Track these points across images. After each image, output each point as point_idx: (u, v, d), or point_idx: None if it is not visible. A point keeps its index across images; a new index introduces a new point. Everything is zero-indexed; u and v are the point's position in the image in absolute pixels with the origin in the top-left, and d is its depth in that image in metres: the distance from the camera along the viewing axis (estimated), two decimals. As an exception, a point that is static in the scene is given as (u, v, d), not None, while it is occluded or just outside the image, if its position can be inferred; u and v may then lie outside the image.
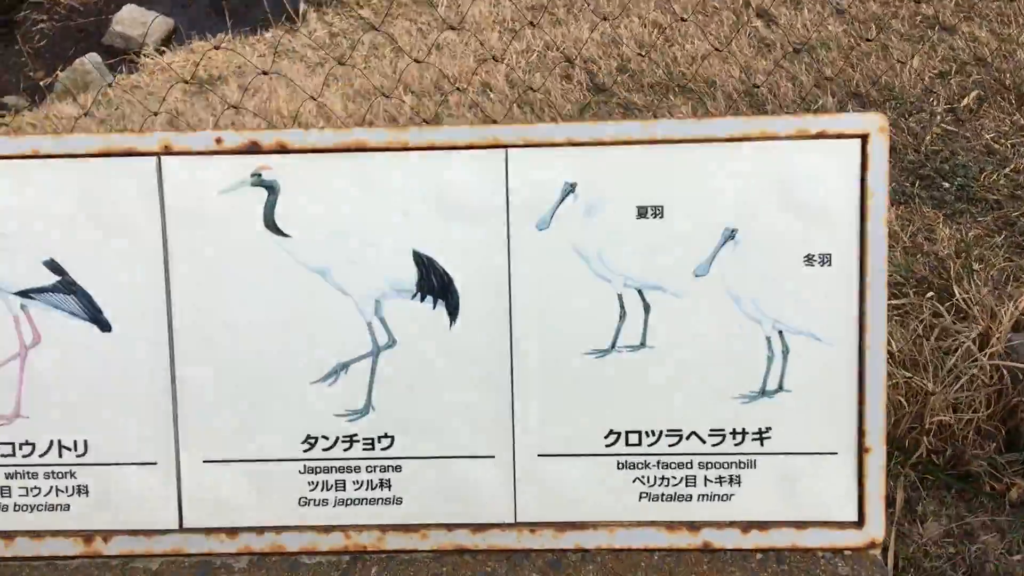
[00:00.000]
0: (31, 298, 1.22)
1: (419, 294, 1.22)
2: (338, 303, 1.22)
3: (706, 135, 1.15)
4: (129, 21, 6.41)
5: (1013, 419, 1.91)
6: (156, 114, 3.64)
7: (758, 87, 3.43)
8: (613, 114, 3.75)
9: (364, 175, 1.20)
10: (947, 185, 2.89)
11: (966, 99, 3.34)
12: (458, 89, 4.01)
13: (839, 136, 1.13)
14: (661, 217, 1.18)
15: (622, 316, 1.20)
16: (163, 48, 6.28)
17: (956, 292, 2.36)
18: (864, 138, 1.13)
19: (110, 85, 5.47)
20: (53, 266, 1.22)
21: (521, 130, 1.17)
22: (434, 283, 1.21)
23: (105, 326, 1.22)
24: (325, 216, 1.21)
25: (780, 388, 1.19)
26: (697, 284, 1.18)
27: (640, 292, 1.20)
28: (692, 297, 1.19)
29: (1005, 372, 2.06)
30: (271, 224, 1.21)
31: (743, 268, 1.17)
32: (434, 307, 1.22)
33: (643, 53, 3.95)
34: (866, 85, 3.49)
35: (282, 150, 1.19)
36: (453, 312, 1.22)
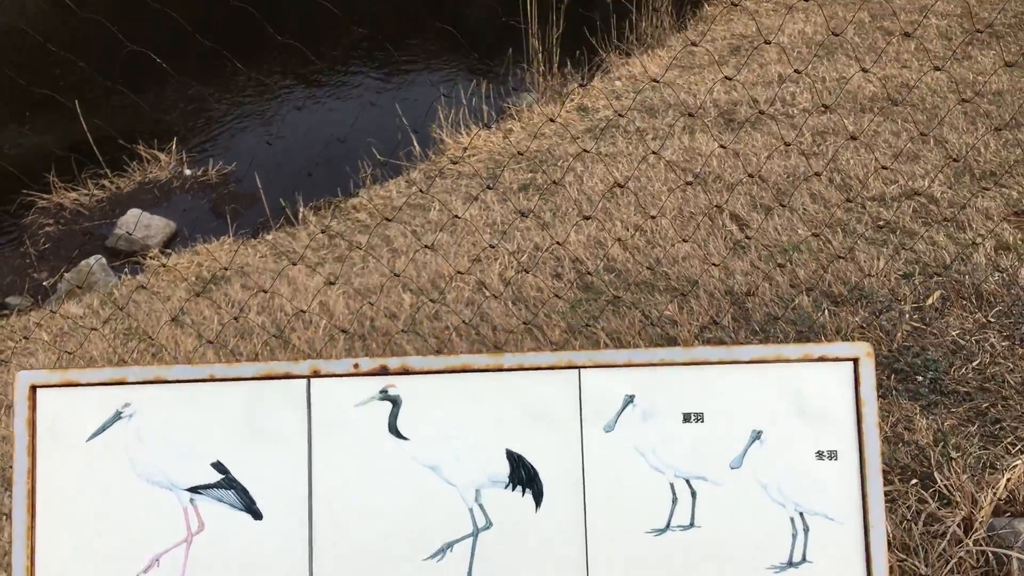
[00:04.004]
0: (199, 493, 1.52)
1: (511, 484, 1.53)
2: (445, 493, 1.52)
3: (733, 358, 1.51)
4: (133, 224, 6.78)
5: (998, 598, 2.13)
6: (173, 319, 3.99)
7: (750, 294, 3.82)
8: (604, 311, 4.11)
9: (468, 390, 1.53)
10: (920, 378, 3.18)
11: (931, 298, 3.71)
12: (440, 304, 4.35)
13: (836, 359, 1.49)
14: (702, 422, 1.52)
15: (674, 501, 1.51)
16: (167, 250, 6.67)
17: (938, 479, 2.64)
18: (856, 361, 1.49)
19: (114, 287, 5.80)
20: (218, 466, 1.52)
21: (591, 355, 1.52)
22: (523, 475, 1.52)
23: (257, 515, 1.52)
24: (437, 423, 1.53)
25: (804, 559, 1.49)
26: (733, 475, 1.51)
27: (688, 481, 1.51)
28: (730, 485, 1.50)
29: (990, 555, 2.32)
30: (394, 430, 1.53)
31: (768, 462, 1.50)
32: (523, 495, 1.52)
33: (628, 253, 4.37)
34: (838, 286, 3.89)
35: (405, 372, 1.53)
36: (538, 499, 1.52)
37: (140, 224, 6.76)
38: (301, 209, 6.57)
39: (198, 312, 5.04)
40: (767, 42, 2.58)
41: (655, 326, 3.83)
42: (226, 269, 4.93)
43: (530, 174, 6.16)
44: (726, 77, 3.45)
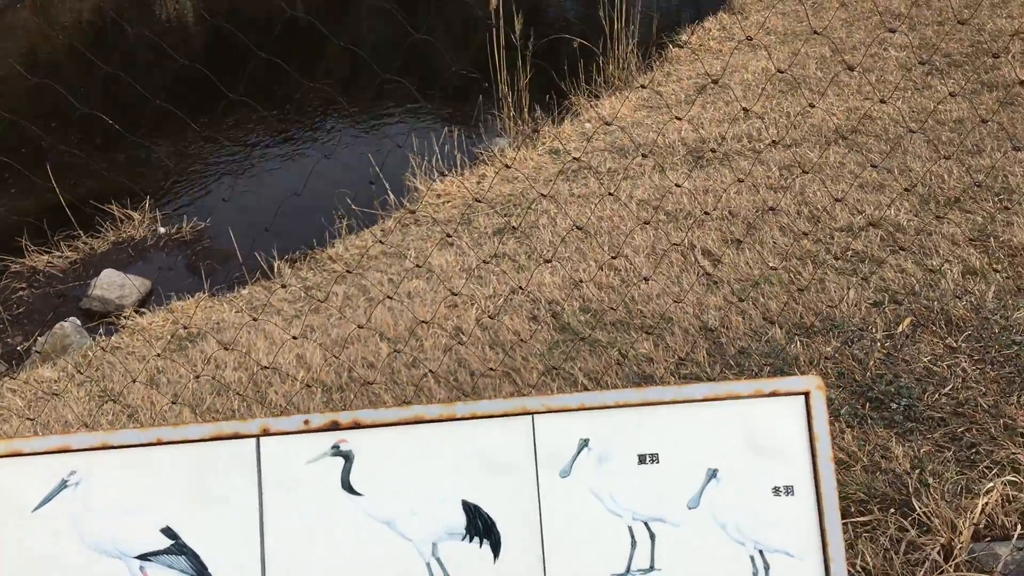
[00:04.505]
0: (149, 560, 1.48)
1: (468, 536, 1.50)
2: (402, 547, 1.50)
3: (686, 397, 1.50)
4: (108, 285, 6.65)
5: (982, 625, 2.12)
6: (139, 380, 3.94)
7: (712, 330, 3.82)
8: (580, 351, 4.10)
9: (421, 442, 1.52)
10: (895, 406, 3.18)
11: (901, 326, 3.72)
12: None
13: (788, 394, 1.49)
14: (657, 462, 1.50)
15: (633, 544, 1.49)
16: (142, 309, 6.59)
17: (916, 506, 2.63)
18: (807, 395, 1.48)
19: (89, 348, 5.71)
20: (168, 532, 1.49)
21: (544, 400, 1.51)
22: (480, 526, 1.50)
23: (209, 579, 1.48)
24: (391, 476, 1.51)
25: (766, 598, 1.47)
26: (691, 515, 1.49)
27: (646, 524, 1.50)
28: (688, 526, 1.49)
29: (972, 581, 2.30)
30: (347, 486, 1.51)
31: (725, 500, 1.49)
32: (480, 546, 1.50)
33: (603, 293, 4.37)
34: (809, 317, 3.89)
35: (356, 426, 1.51)
36: (496, 549, 1.50)
37: (114, 284, 6.71)
38: (276, 262, 6.56)
39: (174, 371, 4.99)
40: (715, 82, 2.61)
41: (625, 365, 3.82)
42: (185, 328, 4.89)
43: (504, 218, 6.19)
44: (676, 117, 3.49)
